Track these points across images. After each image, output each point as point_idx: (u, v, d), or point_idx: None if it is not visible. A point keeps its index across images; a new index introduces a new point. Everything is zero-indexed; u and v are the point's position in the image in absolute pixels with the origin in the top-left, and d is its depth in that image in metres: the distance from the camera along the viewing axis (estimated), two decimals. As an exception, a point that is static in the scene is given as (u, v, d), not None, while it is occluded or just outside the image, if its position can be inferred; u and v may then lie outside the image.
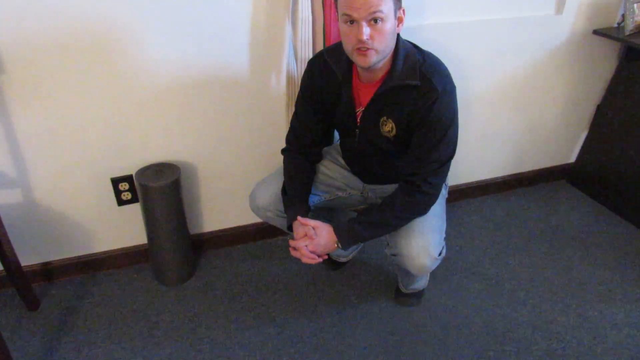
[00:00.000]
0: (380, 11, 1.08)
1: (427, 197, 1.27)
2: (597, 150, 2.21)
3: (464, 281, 1.77)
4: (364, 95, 1.27)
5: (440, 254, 1.32)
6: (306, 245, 1.29)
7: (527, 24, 1.84)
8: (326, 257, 1.34)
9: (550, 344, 1.54)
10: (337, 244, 1.30)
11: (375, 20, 1.09)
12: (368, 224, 1.29)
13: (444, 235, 1.36)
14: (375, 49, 1.12)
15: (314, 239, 1.29)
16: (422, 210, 1.29)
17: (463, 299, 1.70)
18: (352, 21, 1.10)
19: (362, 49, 1.11)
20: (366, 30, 1.09)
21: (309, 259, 1.29)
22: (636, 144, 2.00)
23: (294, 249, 1.31)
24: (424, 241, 1.28)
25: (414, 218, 1.30)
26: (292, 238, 1.33)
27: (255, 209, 1.45)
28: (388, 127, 1.27)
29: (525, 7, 1.82)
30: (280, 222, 1.45)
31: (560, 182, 2.39)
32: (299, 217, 1.31)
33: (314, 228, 1.29)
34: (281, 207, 1.40)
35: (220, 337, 1.54)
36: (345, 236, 1.29)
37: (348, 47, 1.15)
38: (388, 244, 1.38)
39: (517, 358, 1.49)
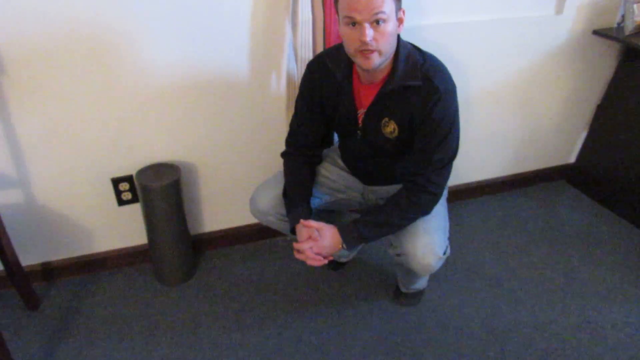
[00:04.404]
0: (383, 12, 1.07)
1: (431, 196, 1.27)
2: (597, 150, 2.21)
3: (464, 281, 1.78)
4: (365, 97, 1.27)
5: (444, 253, 1.32)
6: (311, 247, 1.28)
7: (527, 24, 1.84)
8: (331, 258, 1.33)
9: (550, 344, 1.54)
10: (342, 245, 1.29)
11: (378, 22, 1.08)
12: (373, 225, 1.28)
13: (447, 235, 1.36)
14: (379, 51, 1.11)
15: (318, 240, 1.28)
16: (427, 209, 1.29)
17: (463, 299, 1.70)
18: (354, 23, 1.09)
19: (366, 51, 1.10)
20: (369, 32, 1.08)
21: (314, 260, 1.28)
22: (636, 144, 2.00)
23: (298, 251, 1.30)
24: (429, 240, 1.28)
25: (419, 218, 1.30)
26: (295, 241, 1.32)
27: (256, 213, 1.44)
28: (390, 128, 1.26)
29: (525, 7, 1.82)
30: (281, 226, 1.44)
31: (560, 182, 2.39)
32: (301, 220, 1.30)
33: (317, 230, 1.29)
34: (282, 210, 1.39)
35: (221, 337, 1.54)
36: (349, 237, 1.29)
37: (350, 49, 1.14)
38: (392, 244, 1.38)
39: (517, 358, 1.49)
